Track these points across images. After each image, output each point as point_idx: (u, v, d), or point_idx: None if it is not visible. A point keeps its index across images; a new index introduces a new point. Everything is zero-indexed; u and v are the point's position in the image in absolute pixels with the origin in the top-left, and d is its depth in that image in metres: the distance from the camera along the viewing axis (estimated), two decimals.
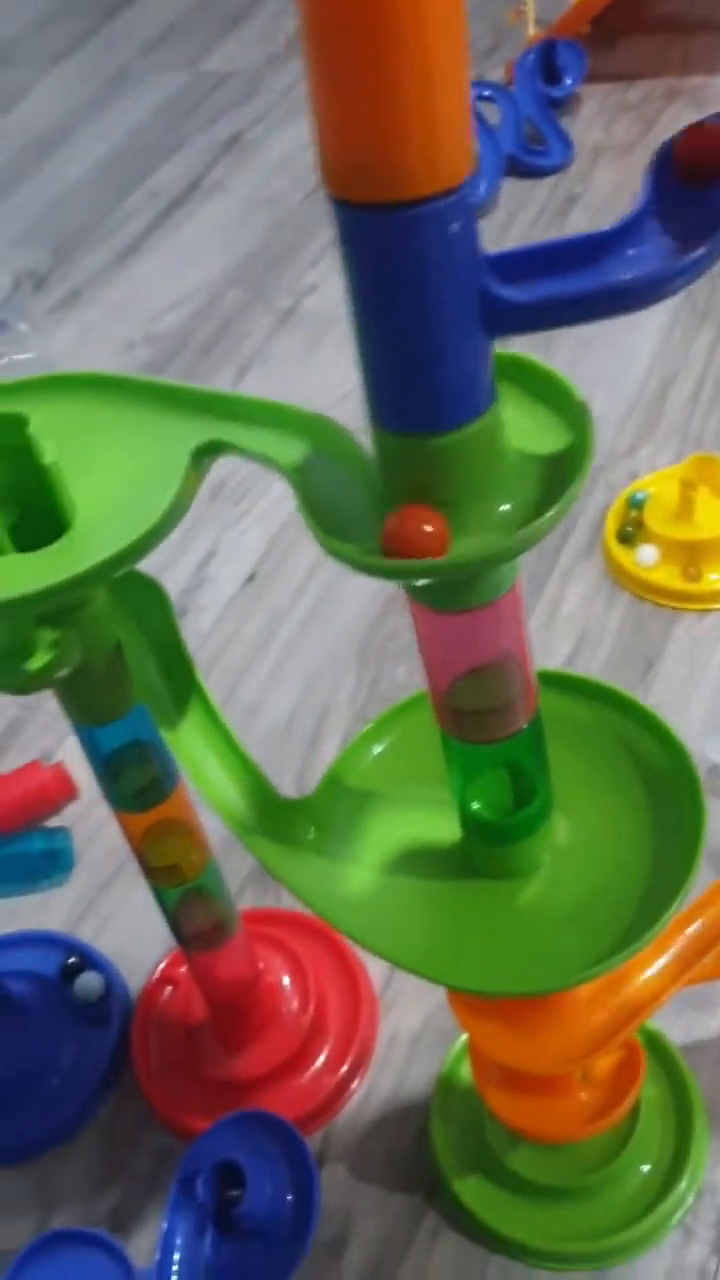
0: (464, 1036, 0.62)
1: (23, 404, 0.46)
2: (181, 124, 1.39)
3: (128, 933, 0.71)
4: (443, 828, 0.44)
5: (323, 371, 1.03)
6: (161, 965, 0.68)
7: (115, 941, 0.71)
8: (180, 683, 0.45)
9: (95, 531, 0.41)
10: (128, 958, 0.70)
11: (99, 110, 1.46)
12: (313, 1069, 0.64)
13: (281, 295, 1.11)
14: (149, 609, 0.45)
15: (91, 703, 0.47)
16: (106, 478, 0.43)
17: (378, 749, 0.47)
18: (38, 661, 0.42)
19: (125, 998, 0.68)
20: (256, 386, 1.03)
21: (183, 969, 0.68)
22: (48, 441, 0.41)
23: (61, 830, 0.75)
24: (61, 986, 0.68)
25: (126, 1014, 0.68)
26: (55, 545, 0.39)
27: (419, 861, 0.44)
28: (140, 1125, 0.64)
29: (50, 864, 0.75)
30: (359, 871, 0.44)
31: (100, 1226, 0.60)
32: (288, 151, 1.30)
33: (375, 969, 0.67)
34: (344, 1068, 0.63)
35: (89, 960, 0.69)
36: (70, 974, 0.69)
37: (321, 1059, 0.64)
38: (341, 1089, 0.63)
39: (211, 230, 1.22)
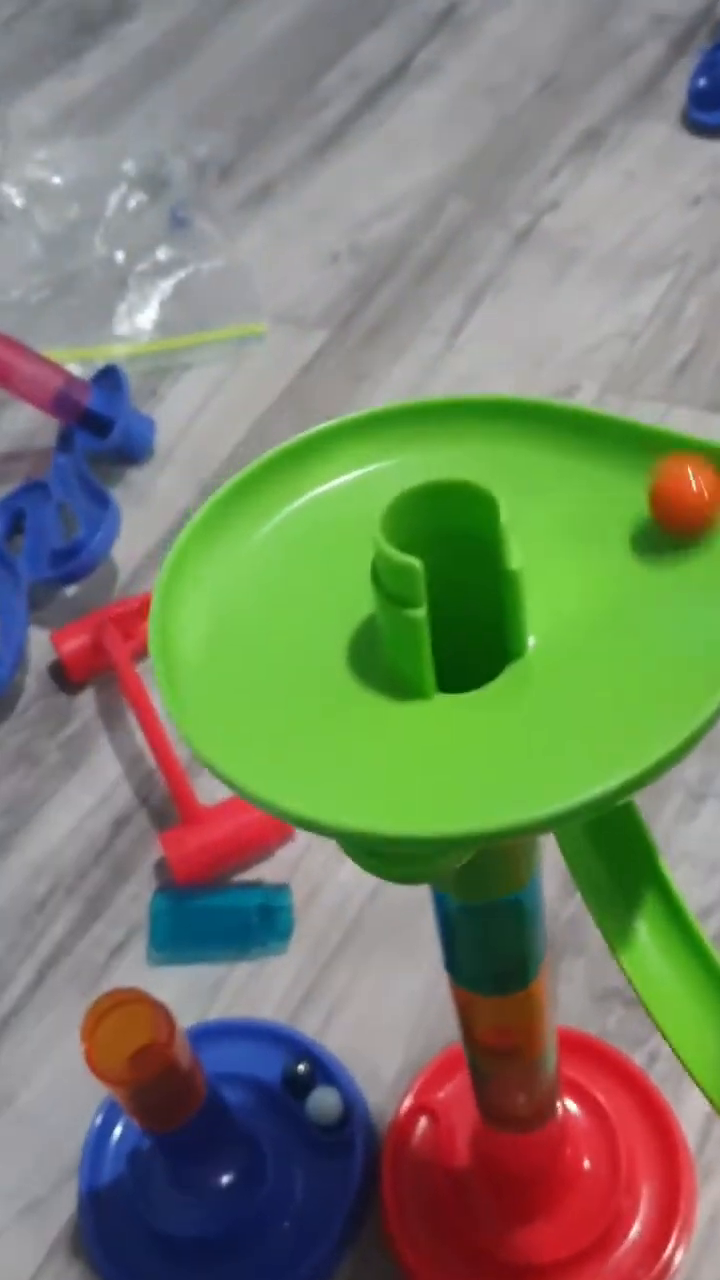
0: None
1: (453, 445, 0.30)
2: None
3: (360, 1030, 0.57)
4: None
5: (572, 307, 0.86)
6: (413, 1090, 0.54)
7: (345, 1040, 0.57)
8: (633, 876, 0.30)
9: (567, 683, 0.26)
10: (363, 1062, 0.56)
11: None
12: (621, 1255, 0.50)
13: (516, 210, 0.94)
14: None
15: (474, 884, 0.32)
16: (583, 575, 0.28)
17: None
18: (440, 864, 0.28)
19: (367, 1122, 0.55)
20: (490, 319, 0.86)
21: (441, 1094, 0.54)
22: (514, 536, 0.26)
23: (282, 887, 0.62)
24: (287, 1099, 0.55)
25: (370, 1144, 0.54)
26: (499, 690, 0.25)
27: None
28: None
29: (266, 924, 0.61)
30: None
31: None
32: (511, 32, 1.11)
33: (689, 1118, 0.53)
34: (662, 1256, 0.49)
35: (319, 1066, 0.56)
36: (298, 1084, 0.55)
37: (631, 1241, 0.50)
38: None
39: (425, 123, 1.04)
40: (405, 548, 0.26)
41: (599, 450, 0.30)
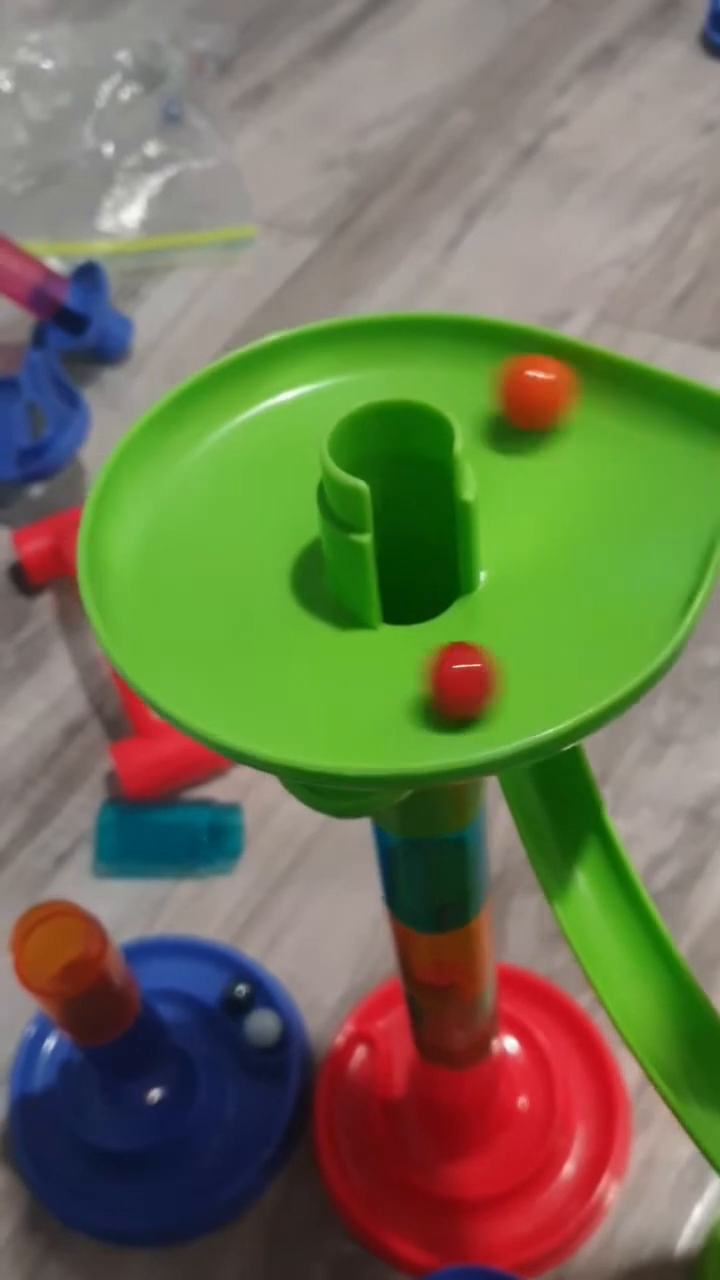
0: None
1: (406, 363, 0.29)
2: None
3: (304, 953, 0.57)
4: None
5: (573, 230, 0.83)
6: (353, 1017, 0.54)
7: (288, 964, 0.57)
8: (575, 826, 0.29)
9: (513, 614, 0.25)
10: (305, 988, 0.56)
11: None
12: (550, 1194, 0.50)
13: (521, 126, 0.91)
14: None
15: (415, 822, 0.31)
16: (538, 513, 0.27)
17: None
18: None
19: (305, 1047, 0.54)
20: (487, 237, 0.83)
21: (381, 1023, 0.54)
22: (469, 464, 0.25)
23: (233, 807, 0.61)
24: (225, 1019, 0.54)
25: (307, 1069, 0.54)
26: (446, 625, 0.23)
27: None
28: (318, 1222, 0.51)
29: (216, 843, 0.60)
30: None
31: None
32: None
33: (629, 1063, 0.52)
34: (591, 1198, 0.49)
35: (260, 988, 0.55)
36: (237, 1006, 0.54)
37: (562, 1181, 0.50)
38: (585, 1225, 0.49)
39: (433, 30, 1.00)
40: (354, 469, 0.25)
41: (595, 389, 0.28)
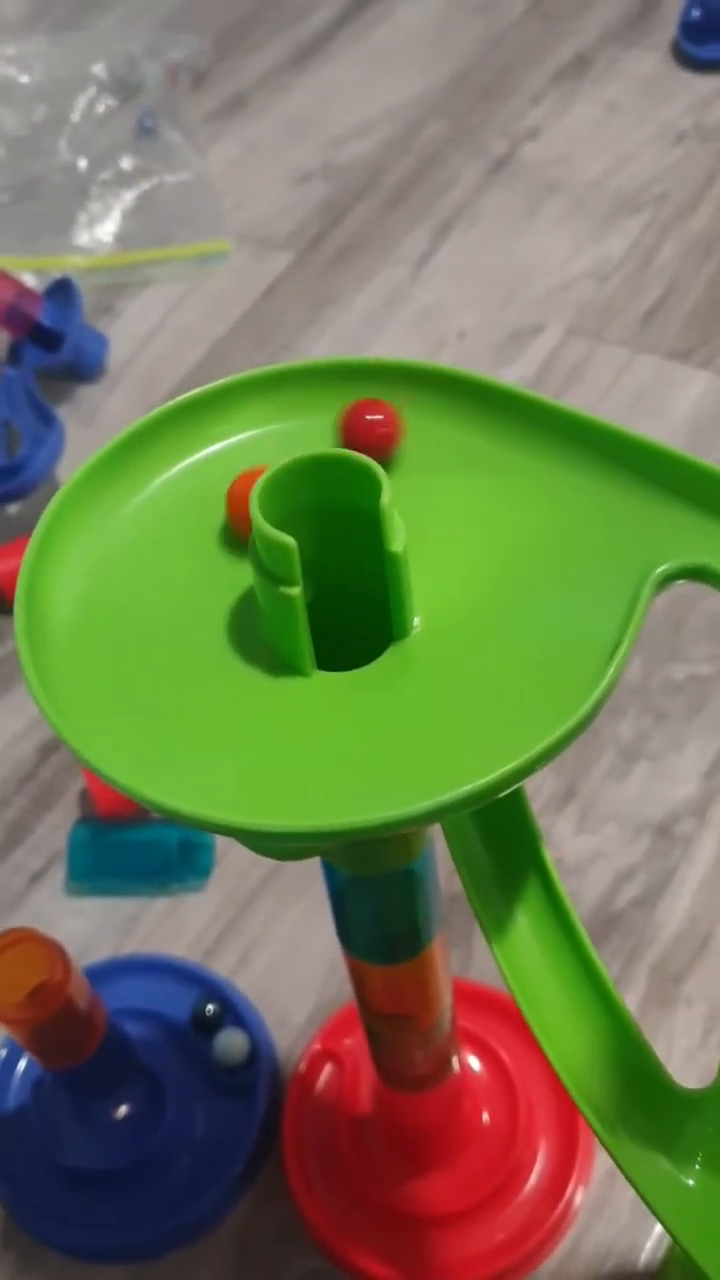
0: None
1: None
2: None
3: (273, 970, 0.57)
4: None
5: (545, 242, 0.84)
6: (320, 1035, 0.54)
7: (257, 981, 0.57)
8: (514, 862, 0.30)
9: (444, 660, 0.25)
10: (274, 1005, 0.56)
11: None
12: (515, 1207, 0.50)
13: (495, 136, 0.91)
14: None
15: (362, 859, 0.31)
16: (469, 559, 0.27)
17: None
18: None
19: (273, 1065, 0.55)
20: (458, 250, 0.84)
21: (348, 1041, 0.54)
22: (397, 512, 0.25)
23: None
24: (194, 1037, 0.55)
25: (275, 1087, 0.54)
26: (379, 671, 0.24)
27: None
28: (286, 1237, 0.51)
29: (186, 861, 0.61)
30: None
31: None
32: None
33: None
34: (555, 1211, 0.50)
35: (229, 1006, 0.56)
36: (206, 1024, 0.55)
37: (526, 1195, 0.50)
38: (549, 1237, 0.50)
39: (410, 39, 1.00)
40: (286, 520, 0.25)
41: (529, 435, 0.29)
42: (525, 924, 0.30)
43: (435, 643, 0.27)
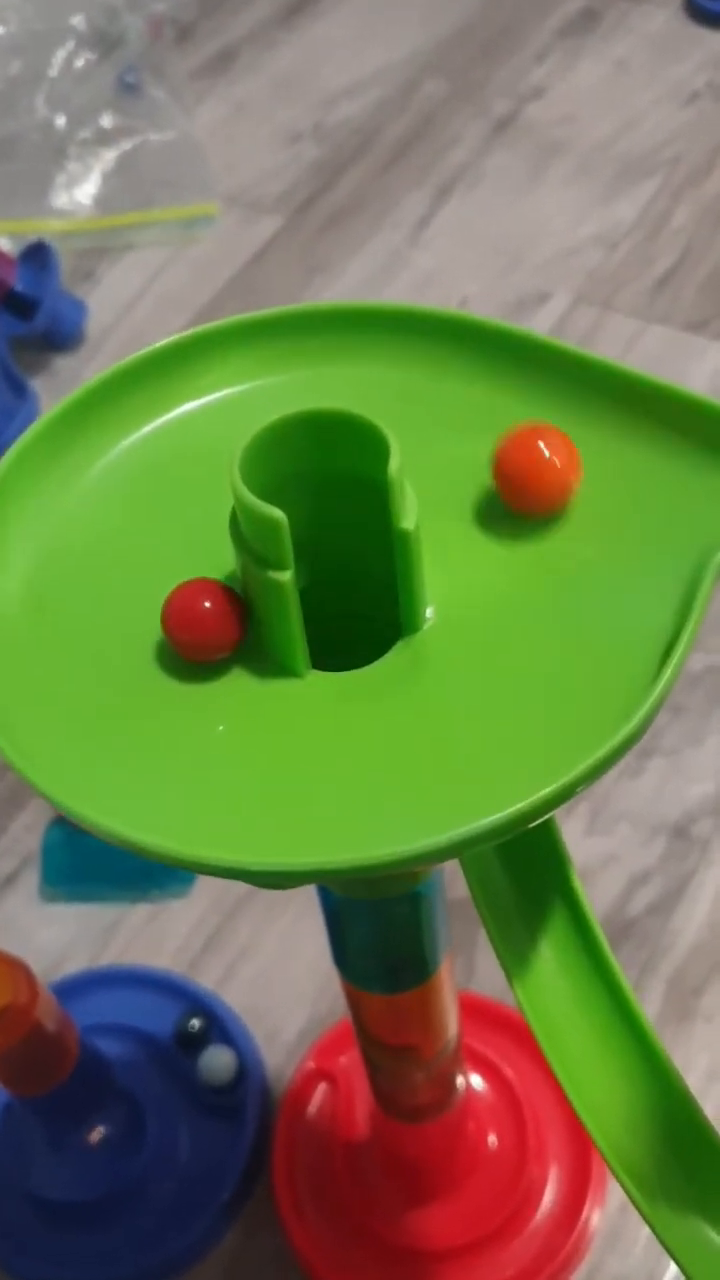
0: None
1: (344, 362, 0.25)
2: None
3: (262, 983, 0.53)
4: None
5: (550, 206, 0.79)
6: (313, 1053, 0.50)
7: (245, 994, 0.53)
8: (539, 891, 0.25)
9: (464, 658, 0.21)
10: (263, 1020, 0.52)
11: None
12: (525, 1237, 0.46)
13: (497, 96, 0.86)
14: None
15: (361, 886, 0.27)
16: (490, 538, 0.23)
17: None
18: None
19: (262, 1085, 0.51)
20: (459, 214, 0.79)
21: (343, 1059, 0.50)
22: (408, 482, 0.21)
23: None
24: (177, 1055, 0.51)
25: (264, 1109, 0.50)
26: (386, 671, 0.20)
27: None
28: (277, 1269, 0.48)
29: (168, 868, 0.57)
30: None
31: None
32: None
33: None
34: (570, 1238, 0.46)
35: (215, 1021, 0.52)
36: (190, 1041, 0.51)
37: (538, 1223, 0.47)
38: (564, 1268, 0.46)
39: None
40: (273, 491, 0.21)
41: (525, 383, 0.24)
42: (551, 960, 0.26)
43: (452, 638, 0.23)
